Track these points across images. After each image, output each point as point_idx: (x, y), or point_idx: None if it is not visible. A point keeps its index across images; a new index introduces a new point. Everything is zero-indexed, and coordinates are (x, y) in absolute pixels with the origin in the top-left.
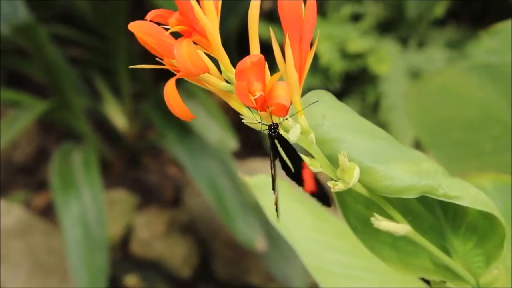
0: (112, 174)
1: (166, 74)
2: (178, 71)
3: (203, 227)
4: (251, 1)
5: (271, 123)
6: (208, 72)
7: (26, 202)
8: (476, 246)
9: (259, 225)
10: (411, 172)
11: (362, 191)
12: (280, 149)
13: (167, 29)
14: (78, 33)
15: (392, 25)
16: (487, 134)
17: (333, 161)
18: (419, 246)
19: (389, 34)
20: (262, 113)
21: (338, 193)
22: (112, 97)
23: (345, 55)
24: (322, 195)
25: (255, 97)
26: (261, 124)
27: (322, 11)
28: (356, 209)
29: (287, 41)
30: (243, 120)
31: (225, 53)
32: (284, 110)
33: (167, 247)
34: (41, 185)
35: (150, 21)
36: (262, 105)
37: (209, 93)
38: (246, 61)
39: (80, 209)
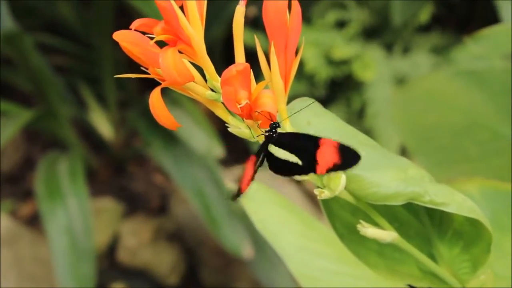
0: (98, 183)
1: (152, 83)
2: (164, 80)
3: (190, 235)
4: (236, 8)
5: (272, 123)
6: (193, 81)
7: (12, 211)
8: (462, 252)
9: (245, 232)
10: (398, 179)
11: (349, 198)
12: (280, 151)
13: (152, 38)
14: (63, 42)
15: (377, 32)
16: (473, 140)
17: None
18: (405, 252)
19: (374, 41)
20: (248, 121)
21: (324, 201)
22: (97, 105)
23: (330, 61)
24: (347, 156)
25: (241, 105)
26: (257, 128)
27: (307, 18)
28: (343, 216)
29: (272, 48)
30: (228, 129)
31: (210, 62)
32: (269, 121)
33: (154, 255)
34: (27, 194)
35: (135, 30)
36: (248, 113)
37: (194, 101)
38: (231, 69)
39: (66, 217)
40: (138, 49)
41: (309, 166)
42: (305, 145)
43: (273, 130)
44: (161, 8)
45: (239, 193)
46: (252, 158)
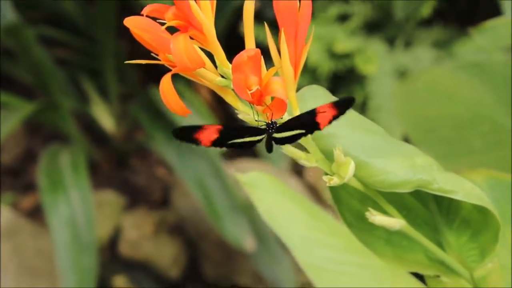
0: (100, 175)
1: (154, 76)
2: (174, 66)
3: (192, 228)
4: None
5: (269, 122)
6: (204, 67)
7: (13, 203)
8: (470, 240)
9: (247, 225)
10: (406, 167)
11: (357, 185)
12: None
13: (163, 24)
14: (65, 35)
15: (379, 25)
16: (476, 132)
17: (329, 156)
18: (413, 240)
19: (376, 34)
20: (259, 107)
21: (332, 189)
22: (99, 98)
23: (333, 55)
24: (345, 102)
25: (251, 91)
26: (258, 121)
27: None
28: (351, 204)
29: (283, 36)
30: (238, 115)
31: (221, 48)
32: (283, 108)
33: (156, 247)
34: (29, 187)
35: (146, 16)
36: (258, 99)
37: (197, 93)
38: (242, 55)
39: (68, 210)
40: (149, 35)
41: (312, 129)
42: (306, 120)
43: (271, 129)
44: None
45: (191, 138)
46: (217, 127)
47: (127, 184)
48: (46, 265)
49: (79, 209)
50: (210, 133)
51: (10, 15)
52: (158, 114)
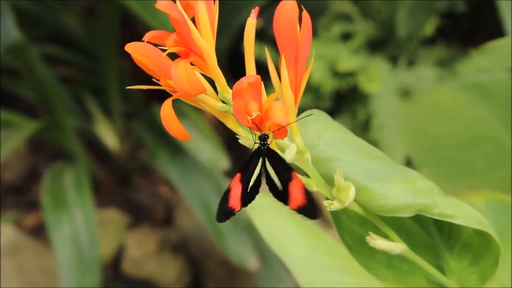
0: (103, 194)
1: (157, 94)
2: (175, 92)
3: (195, 246)
4: (248, 20)
5: (261, 134)
6: (205, 93)
7: (17, 221)
8: (471, 264)
9: (251, 244)
10: (407, 191)
11: (358, 210)
12: (268, 165)
13: (164, 50)
14: (69, 53)
15: (382, 44)
16: (478, 152)
17: (329, 181)
18: (414, 264)
19: (379, 53)
20: (259, 133)
21: (333, 213)
22: (103, 116)
23: (336, 73)
24: (310, 206)
25: (252, 117)
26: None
27: (312, 30)
28: (351, 228)
29: (283, 61)
30: (239, 140)
31: (222, 74)
32: (283, 132)
33: (159, 266)
34: (32, 205)
35: (147, 42)
36: (259, 125)
37: (201, 112)
38: (243, 81)
39: (72, 229)
40: (150, 61)
41: (285, 195)
42: (283, 170)
43: (263, 142)
44: (174, 21)
45: (227, 212)
46: (238, 176)
47: (130, 202)
48: (49, 283)
49: (82, 227)
50: (236, 189)
51: (14, 33)
52: (162, 133)
